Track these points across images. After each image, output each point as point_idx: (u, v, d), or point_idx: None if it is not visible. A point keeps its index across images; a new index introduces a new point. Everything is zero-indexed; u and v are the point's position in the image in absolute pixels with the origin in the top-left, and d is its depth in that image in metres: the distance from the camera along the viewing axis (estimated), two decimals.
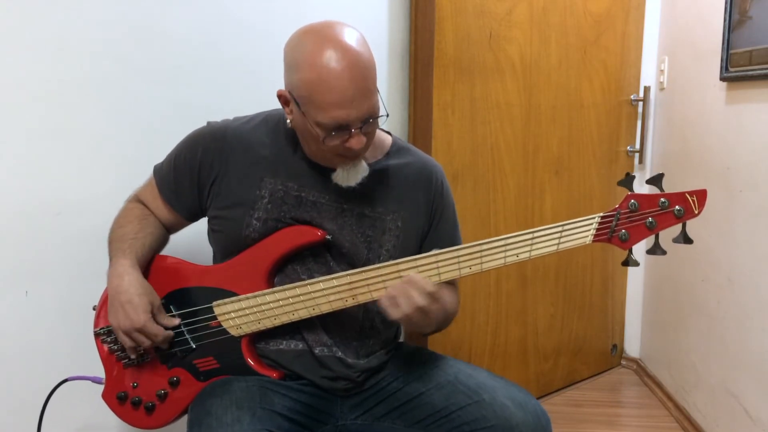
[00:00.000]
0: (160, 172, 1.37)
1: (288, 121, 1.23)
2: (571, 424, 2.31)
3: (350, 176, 1.23)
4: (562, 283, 2.51)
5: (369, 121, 1.16)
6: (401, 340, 1.46)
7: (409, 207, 1.32)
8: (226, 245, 1.30)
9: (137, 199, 1.40)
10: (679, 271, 2.35)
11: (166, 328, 1.27)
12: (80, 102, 1.59)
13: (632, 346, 2.82)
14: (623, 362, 2.84)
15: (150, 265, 1.34)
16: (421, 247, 1.35)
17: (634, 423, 2.39)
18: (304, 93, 1.13)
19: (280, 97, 1.21)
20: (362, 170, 1.23)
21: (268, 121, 1.33)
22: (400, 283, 1.15)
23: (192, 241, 1.45)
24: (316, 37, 1.13)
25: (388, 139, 1.37)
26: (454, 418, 1.24)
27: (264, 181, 1.27)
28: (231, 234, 1.28)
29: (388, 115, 1.21)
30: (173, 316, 1.30)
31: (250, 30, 1.78)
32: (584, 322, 2.63)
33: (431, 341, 2.09)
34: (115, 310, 1.24)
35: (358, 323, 1.31)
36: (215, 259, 1.37)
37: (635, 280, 2.76)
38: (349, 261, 1.28)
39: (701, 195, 1.13)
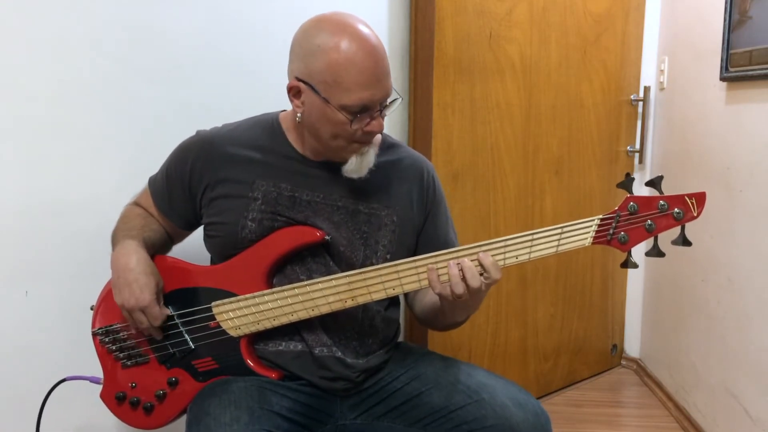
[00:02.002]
0: (154, 184, 1.39)
1: (297, 115, 1.23)
2: (571, 424, 2.31)
3: (363, 165, 1.24)
4: (562, 283, 2.51)
5: (387, 103, 1.20)
6: (400, 339, 1.46)
7: (403, 202, 1.33)
8: (224, 249, 1.30)
9: (137, 205, 1.42)
10: (679, 271, 2.35)
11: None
12: (80, 102, 1.59)
13: (632, 346, 2.82)
14: (623, 362, 2.84)
15: None
16: (417, 242, 1.36)
17: (634, 423, 2.39)
18: (328, 77, 1.15)
19: (291, 89, 1.21)
20: (373, 158, 1.25)
21: (258, 125, 1.34)
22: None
23: (191, 243, 1.45)
24: (333, 23, 1.16)
25: (378, 137, 1.37)
26: (453, 417, 1.24)
27: (256, 183, 1.27)
28: (228, 237, 1.28)
29: (402, 99, 1.24)
30: (168, 317, 1.29)
31: (250, 30, 1.78)
32: (584, 322, 2.63)
33: (431, 342, 2.09)
34: (121, 288, 1.24)
35: (358, 322, 1.31)
36: (213, 264, 1.38)
37: (635, 280, 2.76)
38: (347, 259, 1.28)
39: (700, 198, 1.13)
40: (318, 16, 1.19)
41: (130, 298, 1.23)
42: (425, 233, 1.37)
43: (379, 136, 1.36)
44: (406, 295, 1.41)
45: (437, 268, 1.16)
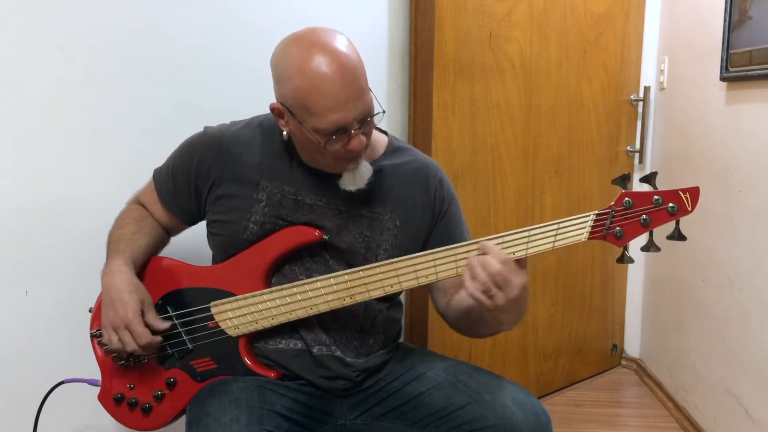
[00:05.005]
0: (159, 177, 1.38)
1: (284, 132, 1.23)
2: (571, 424, 2.31)
3: (357, 179, 1.22)
4: (562, 283, 2.51)
5: (366, 120, 1.16)
6: (401, 339, 1.46)
7: (407, 206, 1.32)
8: (225, 248, 1.31)
9: (138, 201, 1.42)
10: (679, 271, 2.35)
11: (156, 331, 1.26)
12: (80, 102, 1.60)
13: (632, 346, 2.82)
14: (623, 362, 2.84)
15: (147, 266, 1.34)
16: (424, 246, 1.34)
17: (634, 423, 2.39)
18: (296, 103, 1.13)
19: (273, 110, 1.21)
20: (367, 171, 1.23)
21: (263, 126, 1.33)
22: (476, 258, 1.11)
23: (191, 243, 1.45)
24: (301, 44, 1.13)
25: (384, 140, 1.37)
26: (454, 417, 1.24)
27: (261, 185, 1.27)
28: (229, 237, 1.28)
29: (384, 112, 1.20)
30: (167, 317, 1.29)
31: (250, 30, 1.78)
32: (584, 322, 2.63)
33: (431, 342, 2.09)
34: (106, 307, 1.24)
35: (359, 322, 1.31)
36: (214, 262, 1.38)
37: (635, 280, 2.76)
38: (347, 260, 1.28)
39: (694, 192, 1.13)
40: (288, 37, 1.16)
41: (114, 317, 1.23)
42: (437, 236, 1.34)
43: (384, 142, 1.36)
44: (436, 302, 1.36)
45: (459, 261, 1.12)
